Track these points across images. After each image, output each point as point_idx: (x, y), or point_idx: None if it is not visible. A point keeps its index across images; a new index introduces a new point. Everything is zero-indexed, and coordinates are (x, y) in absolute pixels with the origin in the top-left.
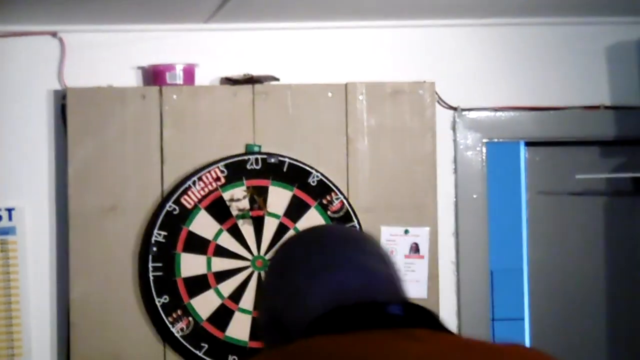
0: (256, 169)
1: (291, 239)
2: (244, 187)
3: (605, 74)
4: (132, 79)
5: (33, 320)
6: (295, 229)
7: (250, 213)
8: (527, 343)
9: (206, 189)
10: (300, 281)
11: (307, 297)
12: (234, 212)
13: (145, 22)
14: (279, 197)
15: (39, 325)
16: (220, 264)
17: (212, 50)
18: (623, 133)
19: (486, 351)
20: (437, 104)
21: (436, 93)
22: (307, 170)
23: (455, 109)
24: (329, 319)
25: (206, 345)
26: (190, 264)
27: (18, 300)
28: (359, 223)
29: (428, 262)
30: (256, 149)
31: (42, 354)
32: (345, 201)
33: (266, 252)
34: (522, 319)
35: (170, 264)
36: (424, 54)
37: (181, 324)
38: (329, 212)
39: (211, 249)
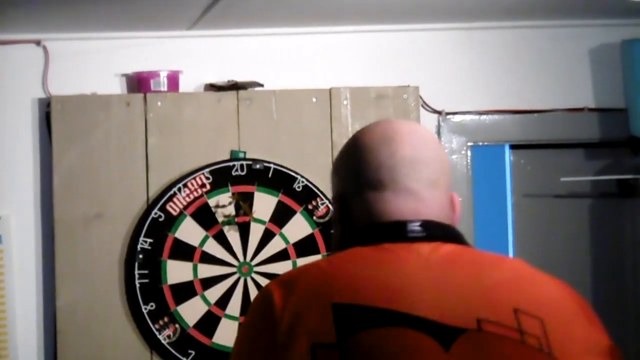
0: (241, 175)
1: (361, 136)
2: (230, 194)
3: (589, 77)
4: (116, 86)
5: (19, 329)
6: (281, 234)
7: (236, 219)
8: None
9: (191, 196)
10: (353, 188)
11: (353, 207)
12: (220, 219)
13: (129, 29)
14: (264, 203)
15: (26, 333)
16: (207, 270)
17: (196, 57)
18: (607, 135)
19: (479, 262)
20: (421, 108)
21: (420, 97)
22: (292, 176)
23: (439, 112)
24: (362, 232)
25: (193, 352)
26: (177, 271)
27: (4, 309)
28: None
29: None
30: (241, 155)
31: None
32: (330, 206)
33: (252, 258)
34: None
35: (156, 271)
36: (408, 58)
37: (168, 331)
38: (314, 217)
39: (197, 255)
